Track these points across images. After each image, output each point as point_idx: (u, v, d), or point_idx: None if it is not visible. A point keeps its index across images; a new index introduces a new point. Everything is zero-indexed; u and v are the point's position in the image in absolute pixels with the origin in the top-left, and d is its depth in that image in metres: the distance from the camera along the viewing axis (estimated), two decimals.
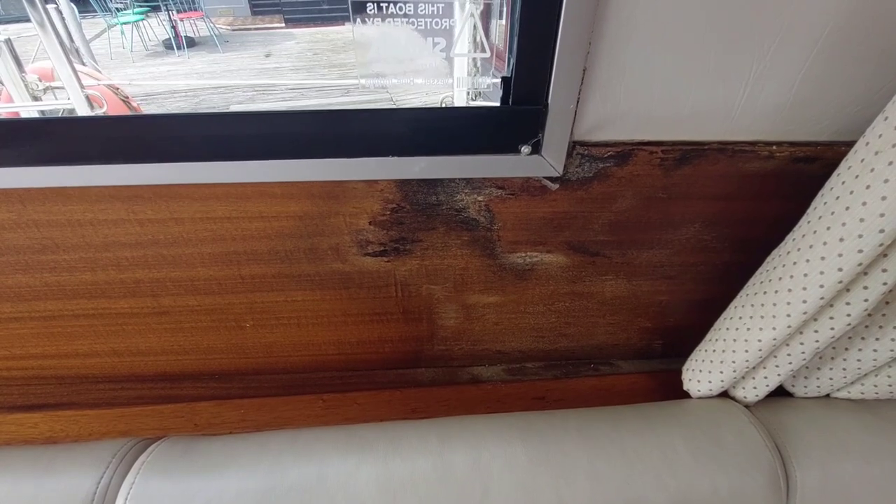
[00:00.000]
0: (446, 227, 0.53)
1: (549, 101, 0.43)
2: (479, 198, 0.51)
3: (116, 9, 5.98)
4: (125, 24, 5.74)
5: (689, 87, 0.44)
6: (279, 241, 0.54)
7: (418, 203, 0.51)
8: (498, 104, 0.45)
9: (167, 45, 5.84)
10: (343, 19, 6.82)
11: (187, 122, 0.44)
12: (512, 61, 0.41)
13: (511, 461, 0.50)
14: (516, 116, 0.44)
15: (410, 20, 0.49)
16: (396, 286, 0.59)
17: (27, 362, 0.66)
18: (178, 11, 5.95)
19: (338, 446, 0.52)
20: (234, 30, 6.60)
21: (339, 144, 0.45)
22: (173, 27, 5.81)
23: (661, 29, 0.40)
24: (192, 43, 5.98)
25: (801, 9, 0.40)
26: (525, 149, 0.45)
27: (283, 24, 6.72)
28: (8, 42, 1.47)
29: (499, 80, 0.44)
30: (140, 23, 5.88)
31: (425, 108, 0.44)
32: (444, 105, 1.12)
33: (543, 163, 0.46)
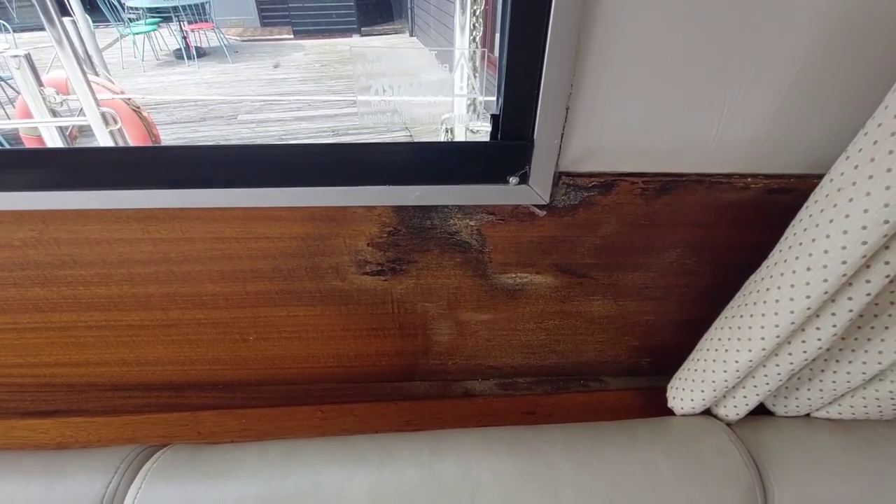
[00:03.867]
0: (440, 249, 0.56)
1: (535, 136, 0.46)
2: (471, 222, 0.54)
3: (129, 19, 6.12)
4: (137, 34, 5.87)
5: (667, 124, 0.47)
6: (283, 259, 0.57)
7: (414, 227, 0.54)
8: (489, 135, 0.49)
9: (178, 55, 5.96)
10: (351, 31, 6.94)
11: (200, 152, 0.47)
12: (500, 101, 0.45)
13: (499, 474, 0.53)
14: (504, 150, 0.47)
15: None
16: (393, 303, 0.62)
17: (40, 370, 0.69)
18: (189, 22, 6.08)
19: (334, 456, 0.55)
20: (243, 40, 6.73)
21: (340, 173, 0.49)
22: (184, 38, 5.94)
23: (638, 71, 0.44)
24: (202, 53, 6.10)
25: (770, 51, 0.43)
26: (513, 179, 0.48)
27: (292, 36, 6.84)
28: (28, 57, 1.53)
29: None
30: (152, 33, 6.01)
31: (421, 143, 0.47)
32: (444, 125, 1.16)
33: (531, 192, 0.50)
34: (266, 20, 7.28)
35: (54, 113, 1.67)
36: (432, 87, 0.55)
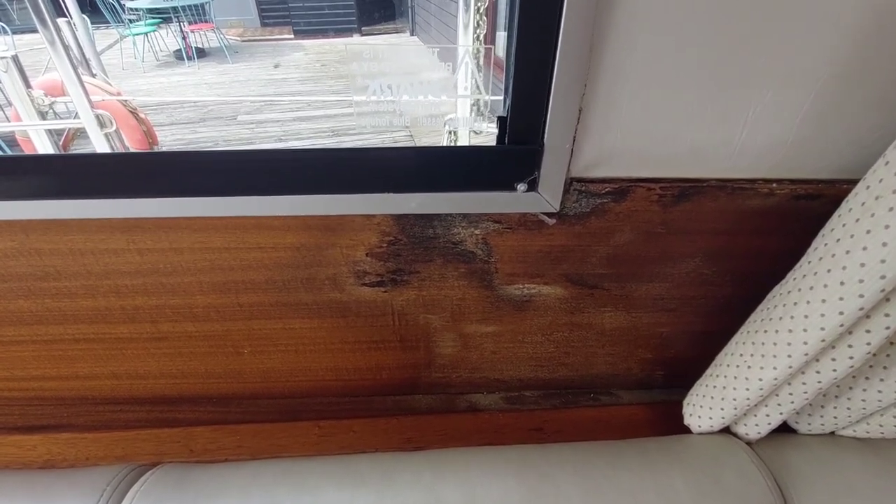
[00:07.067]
0: (443, 259, 0.53)
1: (545, 140, 0.43)
2: (476, 231, 0.51)
3: (129, 20, 6.10)
4: (137, 35, 5.85)
5: (687, 127, 0.44)
6: (277, 270, 0.54)
7: (415, 236, 0.51)
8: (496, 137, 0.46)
9: (178, 56, 5.95)
10: (351, 31, 6.91)
11: (186, 159, 0.44)
12: (507, 102, 0.41)
13: (504, 498, 0.50)
14: (512, 156, 0.44)
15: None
16: (394, 315, 0.59)
17: (28, 384, 0.67)
18: (189, 23, 6.06)
19: (332, 479, 0.52)
20: (243, 41, 6.71)
21: (337, 180, 0.46)
22: (184, 38, 5.92)
23: (657, 71, 0.40)
24: (202, 53, 6.08)
25: (800, 52, 0.40)
26: (521, 186, 0.45)
27: (293, 36, 6.82)
28: (15, 58, 1.50)
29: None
30: (151, 34, 5.99)
31: (422, 147, 0.44)
32: (447, 126, 1.13)
33: (540, 199, 0.46)
34: (266, 20, 7.26)
35: (43, 115, 1.64)
36: (433, 87, 0.51)
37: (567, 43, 0.38)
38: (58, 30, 1.30)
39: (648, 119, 0.43)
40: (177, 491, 0.51)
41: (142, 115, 2.99)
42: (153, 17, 6.13)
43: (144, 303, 0.57)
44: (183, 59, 5.77)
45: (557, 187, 0.46)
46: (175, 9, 5.84)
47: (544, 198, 0.46)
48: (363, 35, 6.89)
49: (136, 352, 0.63)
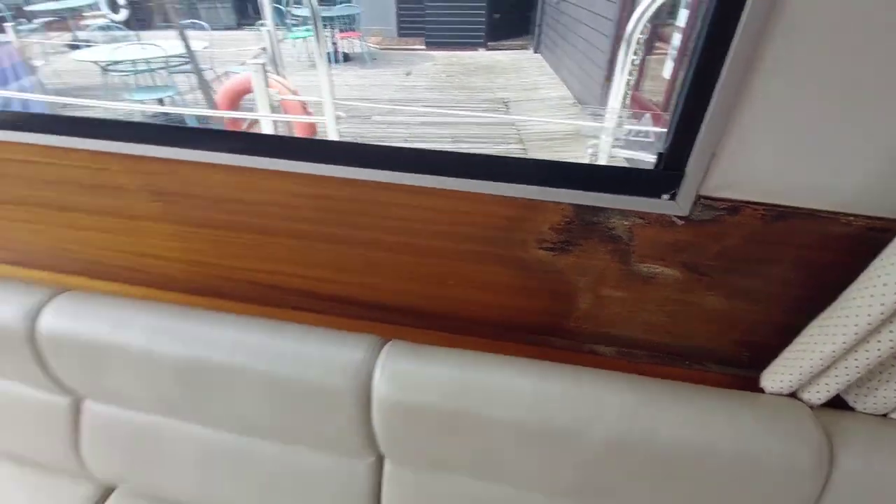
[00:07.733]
0: (599, 238, 0.81)
1: (687, 169, 0.68)
2: (626, 222, 0.77)
3: (293, 24, 7.17)
4: (297, 38, 6.88)
5: (789, 172, 0.66)
6: (490, 230, 0.85)
7: (584, 220, 0.79)
8: (653, 161, 0.73)
9: (326, 58, 6.86)
10: (477, 45, 7.39)
11: (448, 156, 0.77)
12: (666, 145, 0.68)
13: (622, 396, 0.76)
14: (663, 177, 0.70)
15: None
16: (555, 272, 0.88)
17: (297, 278, 1.06)
18: (341, 31, 6.96)
19: (502, 366, 0.82)
20: (381, 48, 7.52)
21: (543, 178, 0.76)
22: (334, 44, 6.82)
23: (771, 136, 0.64)
24: (346, 58, 6.95)
25: (884, 117, 0.59)
26: (665, 196, 0.71)
27: (424, 47, 7.50)
28: (264, 66, 2.07)
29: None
30: (308, 38, 7.00)
31: (604, 165, 0.72)
32: (590, 150, 1.39)
33: (676, 206, 0.72)
34: (403, 31, 8.03)
35: (273, 109, 2.21)
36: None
37: (713, 115, 0.64)
38: (323, 41, 1.79)
39: (760, 163, 0.66)
40: (414, 352, 0.86)
41: (309, 111, 3.64)
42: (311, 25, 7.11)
43: (402, 240, 0.91)
44: (331, 62, 6.68)
45: (689, 200, 0.71)
46: (332, 18, 6.77)
47: (679, 205, 0.72)
48: (489, 50, 7.34)
49: (374, 269, 0.98)
